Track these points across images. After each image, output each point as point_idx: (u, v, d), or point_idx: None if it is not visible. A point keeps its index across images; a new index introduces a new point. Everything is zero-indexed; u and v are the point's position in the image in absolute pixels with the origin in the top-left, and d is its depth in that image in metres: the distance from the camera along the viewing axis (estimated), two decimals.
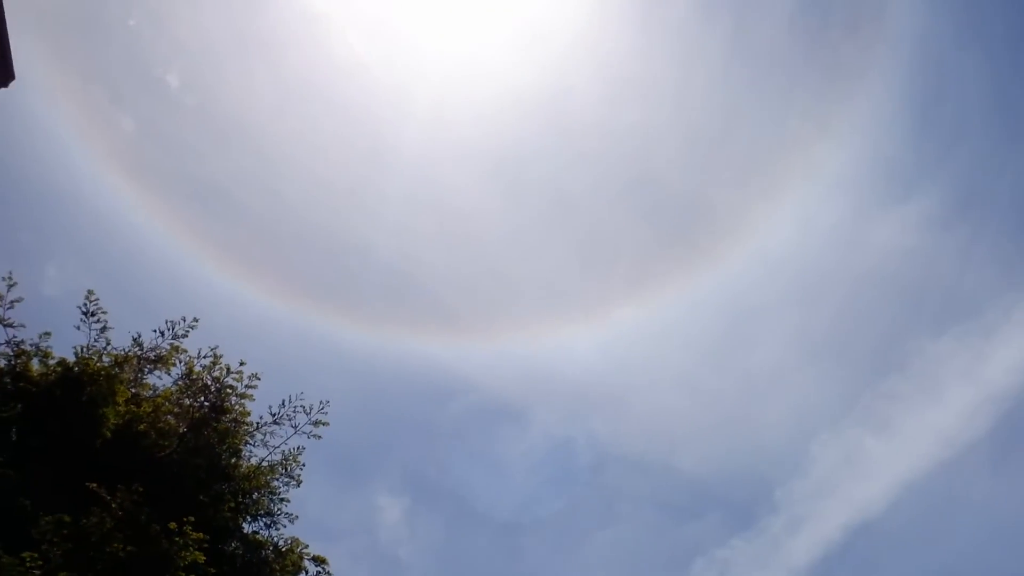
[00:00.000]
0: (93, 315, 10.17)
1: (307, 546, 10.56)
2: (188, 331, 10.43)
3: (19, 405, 9.22)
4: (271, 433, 10.66)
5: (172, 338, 10.36)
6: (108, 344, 10.22)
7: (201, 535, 8.43)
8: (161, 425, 10.03)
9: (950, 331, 28.33)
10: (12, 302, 9.54)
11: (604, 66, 24.30)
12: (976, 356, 27.26)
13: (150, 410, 10.03)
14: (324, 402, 10.85)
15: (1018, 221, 27.44)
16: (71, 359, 10.02)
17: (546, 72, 24.13)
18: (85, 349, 10.05)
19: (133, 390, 10.15)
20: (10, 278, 9.54)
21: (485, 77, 24.35)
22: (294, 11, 23.55)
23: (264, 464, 10.59)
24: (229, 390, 10.44)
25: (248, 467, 10.43)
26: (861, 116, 24.46)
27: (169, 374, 10.39)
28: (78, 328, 10.16)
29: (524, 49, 23.77)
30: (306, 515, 11.04)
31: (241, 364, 10.54)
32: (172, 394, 10.38)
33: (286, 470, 10.68)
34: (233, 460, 10.31)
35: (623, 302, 25.94)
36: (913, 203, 26.40)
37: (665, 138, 25.36)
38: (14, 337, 9.77)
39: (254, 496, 10.51)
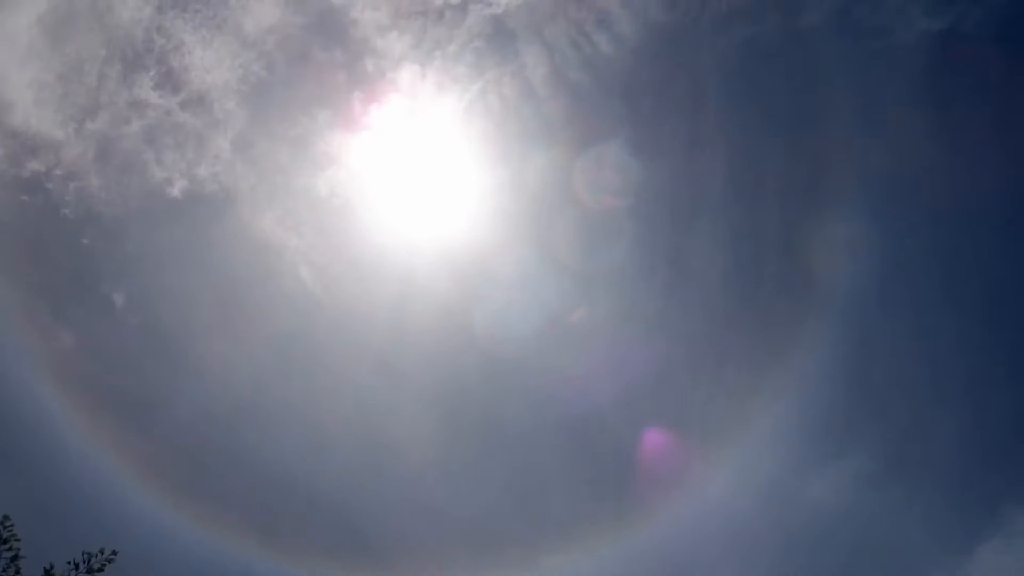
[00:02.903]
0: (6, 542, 9.71)
1: None
2: (105, 564, 9.96)
3: None
4: None
5: (87, 572, 9.88)
6: (18, 573, 9.69)
7: None
8: None
9: None
10: None
11: (545, 308, 25.06)
12: None
13: None
14: None
15: (952, 483, 27.79)
16: None
17: (489, 311, 24.82)
18: None
19: None
20: None
21: (431, 311, 24.96)
22: (246, 241, 24.12)
23: None
24: None
25: None
26: (795, 370, 25.31)
27: None
28: None
29: (469, 289, 24.53)
30: None
31: None
32: None
33: None
34: None
35: (555, 548, 25.38)
36: (847, 460, 26.77)
37: (602, 383, 25.77)
38: None
39: None
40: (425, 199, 24.79)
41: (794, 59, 22.95)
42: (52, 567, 9.78)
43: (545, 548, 25.84)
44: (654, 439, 26.18)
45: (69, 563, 9.78)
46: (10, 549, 9.60)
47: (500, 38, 23.54)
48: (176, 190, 24.48)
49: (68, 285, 25.37)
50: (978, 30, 22.35)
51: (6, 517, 9.67)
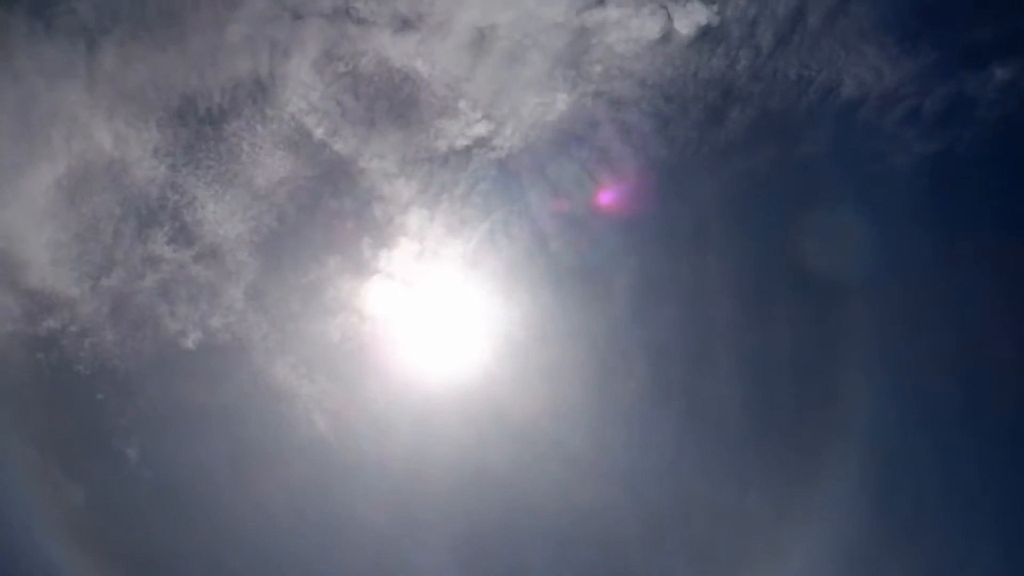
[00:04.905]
0: None
1: None
2: None
3: None
4: None
5: None
6: None
7: None
8: None
9: None
10: None
11: (560, 446, 24.77)
12: None
13: None
14: None
15: None
16: None
17: (505, 454, 24.53)
18: None
19: None
20: None
21: (447, 456, 24.68)
22: (259, 390, 24.16)
23: None
24: None
25: None
26: (820, 498, 24.69)
27: None
28: None
29: (484, 432, 24.32)
30: None
31: None
32: None
33: None
34: None
35: None
36: None
37: (624, 519, 25.16)
38: None
39: None
40: (438, 341, 24.91)
41: (794, 188, 23.34)
42: None
43: None
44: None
45: None
46: None
47: (505, 179, 24.10)
48: (190, 342, 24.70)
49: (81, 441, 25.31)
50: (973, 150, 22.72)
51: None
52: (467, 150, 23.78)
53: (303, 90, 23.64)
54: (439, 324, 24.88)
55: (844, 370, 24.54)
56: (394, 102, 23.74)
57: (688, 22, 22.35)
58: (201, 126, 23.94)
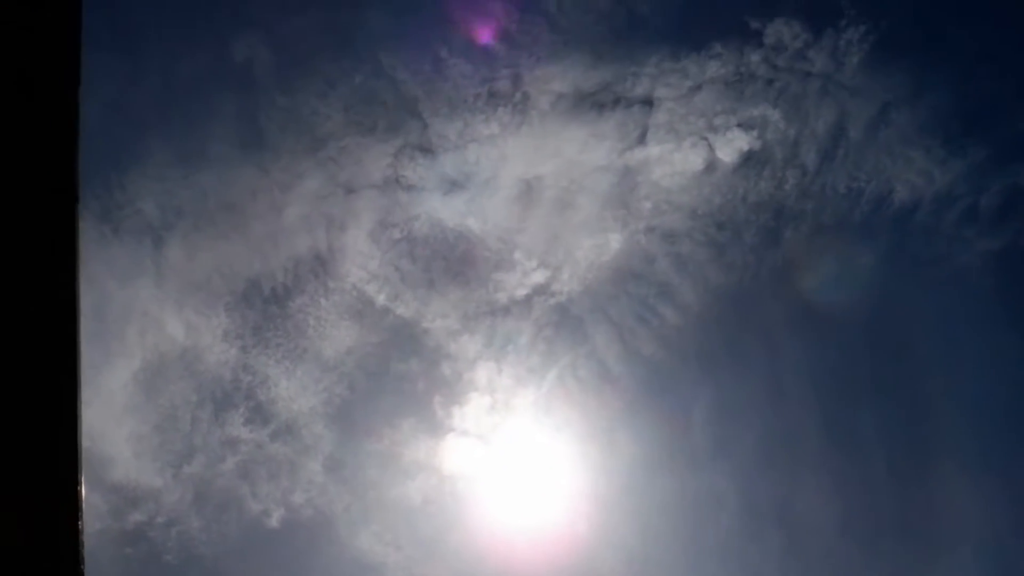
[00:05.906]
0: None
1: None
2: None
3: None
4: None
5: None
6: None
7: None
8: None
9: None
10: None
11: None
12: None
13: None
14: None
15: None
16: None
17: None
18: None
19: None
20: None
21: None
22: (346, 563, 24.09)
23: None
24: None
25: None
26: None
27: None
28: None
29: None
30: None
31: None
32: None
33: None
34: None
35: None
36: None
37: None
38: None
39: None
40: (518, 493, 24.61)
41: (859, 299, 22.98)
42: None
43: None
44: None
45: None
46: None
47: (568, 324, 24.15)
48: (274, 520, 24.69)
49: None
50: None
51: None
52: (527, 299, 23.98)
53: (362, 260, 24.17)
54: (518, 476, 24.63)
55: (942, 479, 23.59)
56: (451, 261, 24.15)
57: (730, 150, 22.55)
58: (267, 306, 24.50)
